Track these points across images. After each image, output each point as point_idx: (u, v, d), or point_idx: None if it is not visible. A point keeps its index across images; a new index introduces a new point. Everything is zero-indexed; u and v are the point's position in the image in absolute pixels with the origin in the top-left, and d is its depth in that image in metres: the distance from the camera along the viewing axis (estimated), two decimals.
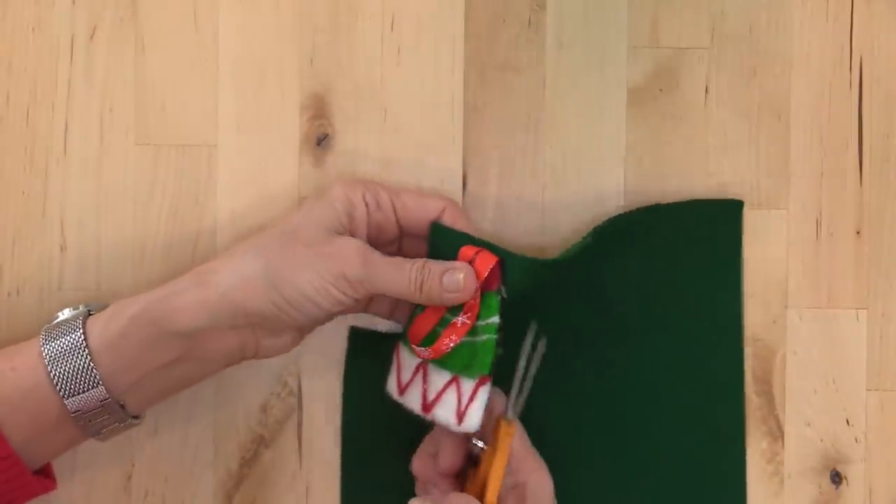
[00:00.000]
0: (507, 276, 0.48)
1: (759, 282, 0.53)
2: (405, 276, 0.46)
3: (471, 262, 0.47)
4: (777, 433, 0.53)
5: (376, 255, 0.46)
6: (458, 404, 0.47)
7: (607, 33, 0.53)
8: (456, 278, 0.46)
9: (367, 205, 0.47)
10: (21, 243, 0.52)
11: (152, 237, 0.52)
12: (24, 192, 0.52)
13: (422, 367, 0.48)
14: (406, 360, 0.49)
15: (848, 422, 0.53)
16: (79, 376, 0.44)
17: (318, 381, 0.52)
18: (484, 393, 0.47)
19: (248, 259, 0.46)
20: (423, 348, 0.47)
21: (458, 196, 0.53)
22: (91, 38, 0.53)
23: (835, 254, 0.53)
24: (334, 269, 0.45)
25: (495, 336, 0.47)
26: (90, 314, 0.47)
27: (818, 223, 0.53)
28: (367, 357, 0.51)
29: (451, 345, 0.47)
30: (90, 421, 0.45)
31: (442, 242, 0.48)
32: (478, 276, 0.47)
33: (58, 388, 0.44)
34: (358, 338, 0.52)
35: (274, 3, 0.53)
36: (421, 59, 0.53)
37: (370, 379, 0.50)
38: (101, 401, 0.45)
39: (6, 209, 0.52)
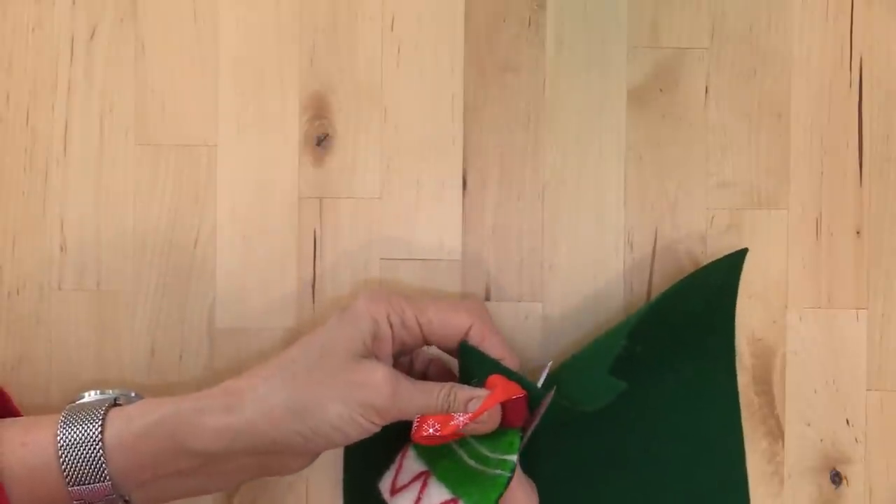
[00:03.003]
0: (532, 411, 0.47)
1: (759, 282, 0.53)
2: (432, 403, 0.45)
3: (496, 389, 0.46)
4: (777, 433, 0.53)
5: (404, 383, 0.45)
6: None
7: (607, 33, 0.53)
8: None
9: (391, 325, 0.46)
10: (21, 243, 0.52)
11: (152, 237, 0.52)
12: (24, 192, 0.52)
13: (423, 477, 0.47)
14: (409, 464, 0.48)
15: (848, 422, 0.53)
16: (88, 468, 0.43)
17: None
18: None
19: (274, 387, 0.44)
20: (415, 424, 0.46)
21: (458, 196, 0.53)
22: (91, 38, 0.53)
23: (835, 254, 0.53)
24: (363, 399, 0.44)
25: (508, 475, 0.45)
26: (116, 402, 0.46)
27: (818, 223, 0.53)
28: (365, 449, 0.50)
29: (432, 430, 0.45)
30: None
31: (471, 364, 0.47)
32: (498, 398, 0.45)
33: (65, 474, 0.44)
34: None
35: (274, 3, 0.53)
36: (421, 59, 0.53)
37: (371, 468, 0.49)
38: (106, 495, 0.44)
39: (6, 209, 0.52)
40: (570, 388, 0.48)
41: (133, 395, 0.49)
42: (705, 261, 0.53)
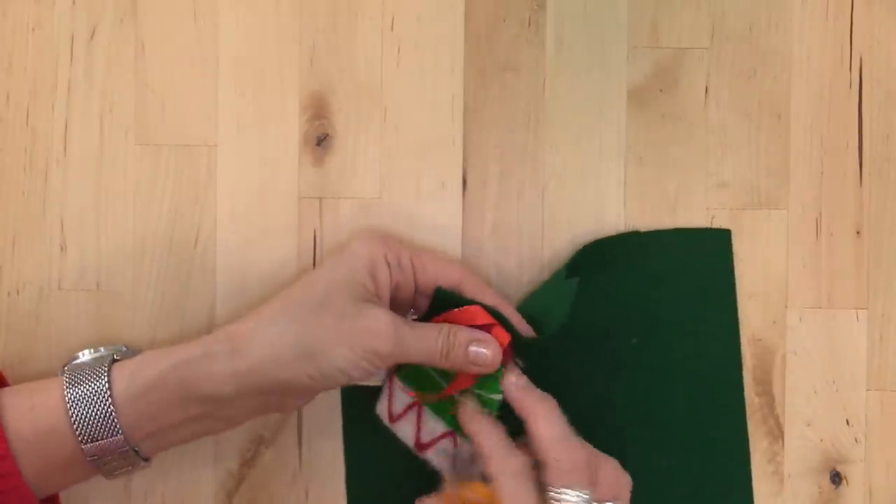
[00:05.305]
0: (516, 352, 0.48)
1: (759, 282, 0.53)
2: (434, 347, 0.46)
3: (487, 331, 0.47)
4: (777, 433, 0.53)
5: (405, 329, 0.46)
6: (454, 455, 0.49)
7: (607, 33, 0.53)
8: (482, 352, 0.46)
9: (389, 265, 0.47)
10: (21, 243, 0.52)
11: (152, 237, 0.52)
12: (24, 192, 0.52)
13: (416, 406, 0.49)
14: (398, 394, 0.50)
15: (848, 422, 0.53)
16: (99, 424, 0.44)
17: None
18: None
19: (281, 330, 0.45)
20: (407, 386, 0.48)
21: (458, 196, 0.53)
22: (91, 38, 0.53)
23: (835, 254, 0.53)
24: (367, 345, 0.45)
25: (496, 413, 0.47)
26: (115, 360, 0.47)
27: (818, 223, 0.53)
28: (366, 419, 0.51)
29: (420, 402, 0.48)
30: (104, 464, 0.46)
31: (449, 303, 0.48)
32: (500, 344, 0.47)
33: (77, 433, 0.44)
34: (351, 398, 0.52)
35: (274, 2, 0.53)
36: (421, 59, 0.53)
37: (373, 441, 0.51)
38: (119, 448, 0.45)
39: (6, 209, 0.52)
40: (534, 311, 0.50)
41: (125, 349, 0.50)
42: None
